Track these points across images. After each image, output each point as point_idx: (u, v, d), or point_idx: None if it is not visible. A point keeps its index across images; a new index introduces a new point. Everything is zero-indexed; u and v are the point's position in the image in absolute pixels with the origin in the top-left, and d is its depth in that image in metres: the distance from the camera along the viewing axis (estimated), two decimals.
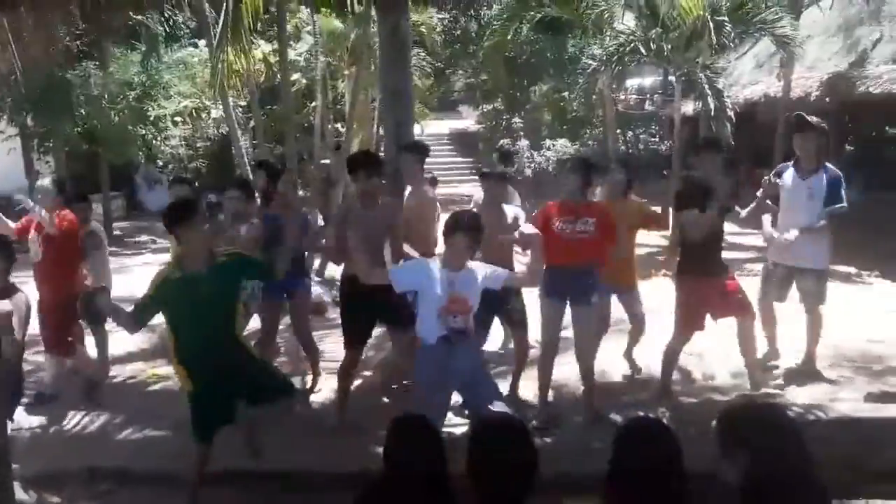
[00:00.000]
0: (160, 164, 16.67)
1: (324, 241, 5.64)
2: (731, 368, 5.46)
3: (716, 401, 4.87)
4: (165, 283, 3.74)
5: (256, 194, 5.69)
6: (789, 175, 5.22)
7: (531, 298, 4.85)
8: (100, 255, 5.71)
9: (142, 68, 14.45)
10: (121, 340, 6.48)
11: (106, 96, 13.63)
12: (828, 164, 5.22)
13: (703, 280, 4.72)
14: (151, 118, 14.22)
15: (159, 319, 3.93)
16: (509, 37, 14.11)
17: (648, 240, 10.97)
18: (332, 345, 6.58)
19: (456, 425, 4.31)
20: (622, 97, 17.45)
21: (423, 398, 3.77)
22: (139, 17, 13.09)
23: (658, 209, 5.27)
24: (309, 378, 5.61)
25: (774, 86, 12.68)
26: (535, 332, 4.98)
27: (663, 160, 15.58)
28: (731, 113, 10.80)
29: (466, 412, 4.28)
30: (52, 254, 5.23)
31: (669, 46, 10.73)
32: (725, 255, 4.97)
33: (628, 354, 5.57)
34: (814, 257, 5.15)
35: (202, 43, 14.20)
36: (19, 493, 3.83)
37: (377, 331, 5.88)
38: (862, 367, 5.49)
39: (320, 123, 14.20)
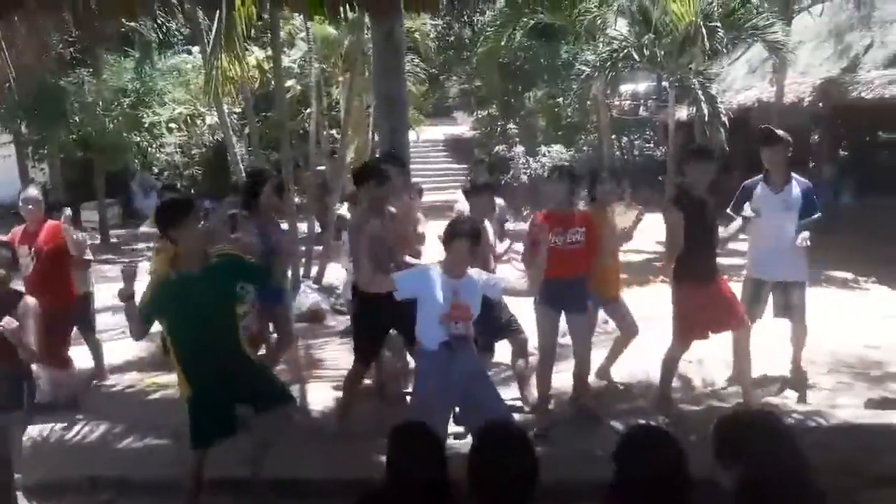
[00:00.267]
0: (156, 171, 16.66)
1: (321, 247, 5.67)
2: (730, 375, 5.48)
3: (716, 408, 4.87)
4: (162, 285, 3.73)
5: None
6: (761, 189, 5.14)
7: (524, 308, 4.88)
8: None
9: (136, 75, 14.44)
10: (118, 349, 6.47)
11: (100, 103, 13.61)
12: (795, 175, 5.18)
13: (698, 286, 4.68)
14: (146, 125, 14.20)
15: (156, 328, 3.93)
16: (503, 43, 14.09)
17: (646, 245, 11.03)
18: (332, 352, 6.60)
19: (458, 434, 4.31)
20: (616, 103, 17.51)
21: (425, 404, 3.77)
22: (132, 23, 13.08)
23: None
24: (308, 388, 5.59)
25: (767, 91, 12.75)
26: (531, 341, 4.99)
27: (658, 166, 15.63)
28: (724, 118, 10.85)
29: (459, 420, 4.26)
30: (44, 265, 5.22)
31: (662, 52, 10.76)
32: (726, 261, 4.95)
33: (605, 372, 5.44)
34: (798, 270, 5.10)
35: (196, 49, 14.17)
36: (21, 502, 3.82)
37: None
38: (860, 372, 5.52)
39: (315, 130, 14.14)
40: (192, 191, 16.61)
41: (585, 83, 12.46)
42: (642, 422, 4.21)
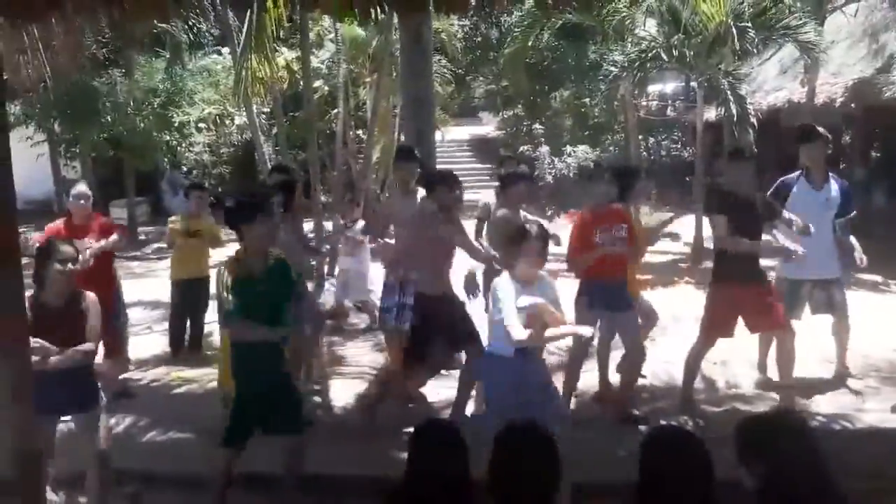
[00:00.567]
0: (184, 169, 16.88)
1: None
2: (755, 377, 5.43)
3: (739, 410, 4.82)
4: (236, 281, 3.67)
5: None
6: (800, 187, 5.11)
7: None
8: None
9: (166, 75, 14.65)
10: (143, 344, 6.59)
11: (131, 103, 13.83)
12: (832, 173, 5.17)
13: (737, 286, 4.62)
14: (176, 125, 14.39)
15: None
16: (530, 43, 14.07)
17: (672, 247, 10.94)
18: (354, 350, 6.64)
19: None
20: (644, 103, 17.35)
21: (498, 409, 3.65)
22: (164, 25, 13.27)
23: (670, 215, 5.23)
24: (330, 385, 5.64)
25: (798, 92, 12.54)
26: None
27: (686, 167, 15.48)
28: (753, 119, 10.71)
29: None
30: (95, 259, 5.35)
31: (692, 52, 10.66)
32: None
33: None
34: (835, 267, 5.11)
35: (226, 50, 14.38)
36: (48, 494, 3.90)
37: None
38: (889, 377, 5.43)
39: (342, 130, 14.27)
40: (220, 189, 16.83)
41: (613, 83, 12.37)
42: (664, 423, 4.18)
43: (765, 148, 11.73)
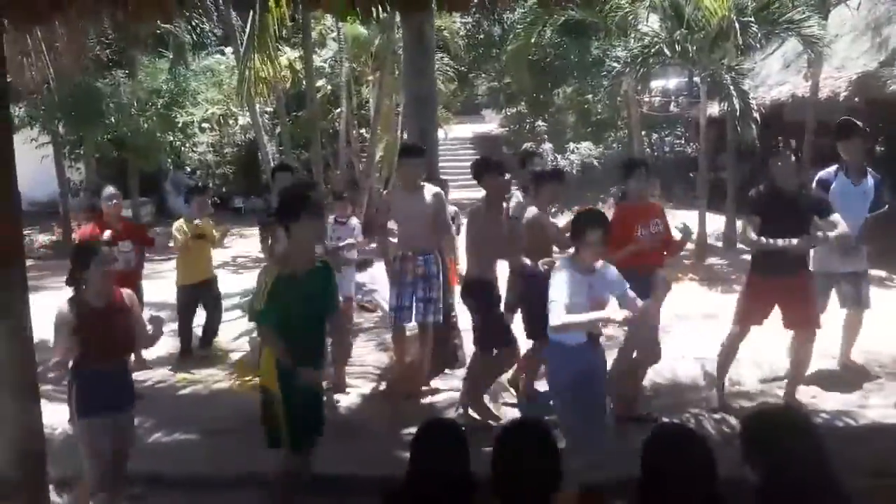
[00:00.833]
0: (188, 170, 16.90)
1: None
2: (761, 374, 5.43)
3: (744, 407, 4.82)
4: (276, 282, 3.56)
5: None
6: (841, 182, 5.18)
7: None
8: None
9: (170, 76, 14.68)
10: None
11: (135, 104, 13.87)
12: (869, 168, 5.26)
13: (770, 277, 4.67)
14: (179, 125, 14.43)
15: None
16: (532, 40, 14.05)
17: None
18: (358, 349, 6.62)
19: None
20: (647, 99, 17.32)
21: (572, 396, 3.72)
22: (167, 25, 13.31)
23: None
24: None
25: (802, 86, 12.51)
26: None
27: (689, 162, 15.45)
28: (756, 114, 10.68)
29: None
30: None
31: (694, 48, 10.63)
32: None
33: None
34: (864, 260, 5.18)
35: (229, 50, 14.38)
36: (53, 496, 3.91)
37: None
38: (892, 372, 5.41)
39: (345, 129, 14.27)
40: (224, 189, 16.85)
41: (616, 80, 12.36)
42: (666, 420, 4.19)
43: (767, 142, 11.71)
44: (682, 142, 17.98)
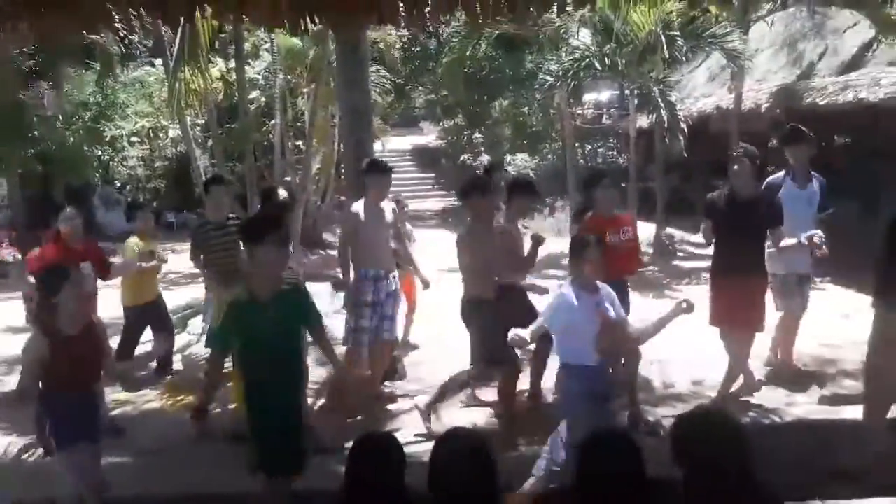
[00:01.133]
0: (118, 184, 16.45)
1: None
2: (691, 377, 5.58)
3: (675, 408, 4.95)
4: (235, 307, 3.47)
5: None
6: (789, 187, 5.40)
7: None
8: None
9: (97, 88, 14.29)
10: None
11: (60, 116, 13.44)
12: (814, 172, 5.49)
13: (724, 280, 4.88)
14: (108, 138, 14.06)
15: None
16: (468, 53, 14.23)
17: None
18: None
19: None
20: (580, 112, 17.71)
21: (589, 413, 3.63)
22: (94, 36, 12.94)
23: None
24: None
25: (726, 98, 12.99)
26: None
27: (621, 173, 15.84)
28: (683, 125, 11.05)
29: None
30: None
31: (624, 61, 10.94)
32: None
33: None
34: (808, 262, 5.34)
35: (159, 62, 14.09)
36: None
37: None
38: (816, 370, 5.65)
39: (280, 141, 14.12)
40: (155, 204, 16.46)
41: (549, 92, 12.62)
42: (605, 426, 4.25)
43: (695, 153, 12.10)
44: (614, 153, 18.44)
